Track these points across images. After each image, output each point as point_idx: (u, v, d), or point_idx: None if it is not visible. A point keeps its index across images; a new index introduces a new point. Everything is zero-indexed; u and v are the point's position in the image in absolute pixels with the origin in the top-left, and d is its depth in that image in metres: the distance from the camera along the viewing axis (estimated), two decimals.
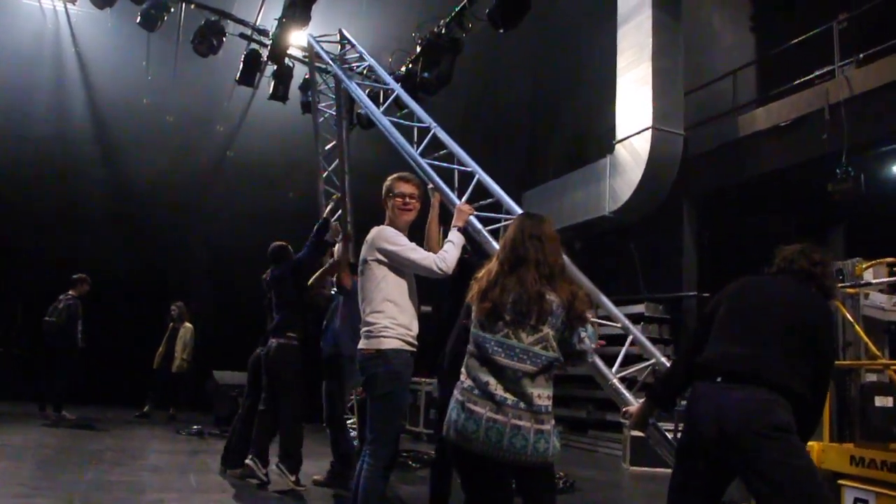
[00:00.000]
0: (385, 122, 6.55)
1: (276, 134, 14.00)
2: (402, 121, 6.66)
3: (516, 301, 3.19)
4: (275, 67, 10.90)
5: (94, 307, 11.14)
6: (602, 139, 12.97)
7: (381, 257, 4.06)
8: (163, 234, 14.09)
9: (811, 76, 10.35)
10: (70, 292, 10.66)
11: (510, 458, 3.08)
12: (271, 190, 14.41)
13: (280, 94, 11.15)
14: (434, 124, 6.36)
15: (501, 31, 8.58)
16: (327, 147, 9.24)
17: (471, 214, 4.68)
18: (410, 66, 9.71)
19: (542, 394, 3.15)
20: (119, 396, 12.56)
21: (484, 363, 3.19)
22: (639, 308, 11.80)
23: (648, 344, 4.70)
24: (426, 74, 9.27)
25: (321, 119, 9.43)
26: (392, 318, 4.05)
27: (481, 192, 5.60)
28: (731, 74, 12.01)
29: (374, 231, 4.20)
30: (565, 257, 3.51)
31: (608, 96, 12.57)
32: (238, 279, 11.28)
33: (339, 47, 8.85)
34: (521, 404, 3.10)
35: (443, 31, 9.12)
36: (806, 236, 10.64)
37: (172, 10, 10.55)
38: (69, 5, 12.70)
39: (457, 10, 8.99)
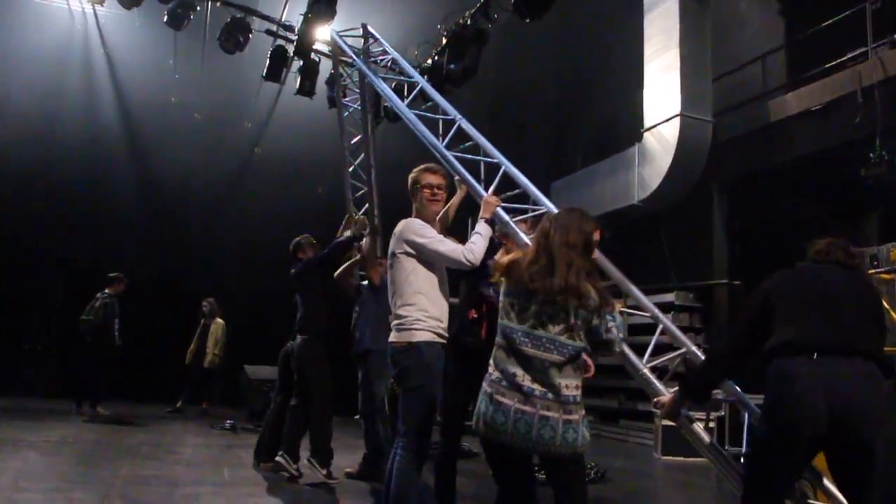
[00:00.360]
0: (410, 115, 6.53)
1: (304, 129, 14.04)
2: (426, 114, 6.64)
3: (545, 293, 3.18)
4: (301, 63, 10.94)
5: (128, 305, 11.29)
6: (630, 127, 12.86)
7: (409, 249, 4.07)
8: (193, 231, 14.23)
9: (843, 59, 10.16)
10: (106, 290, 10.86)
11: (539, 450, 3.09)
12: (300, 185, 14.47)
13: (307, 89, 11.20)
14: (459, 116, 6.33)
15: (527, 20, 8.53)
16: (353, 141, 9.25)
17: (498, 206, 4.64)
18: (436, 58, 9.70)
19: (569, 384, 3.16)
20: (153, 392, 12.72)
21: (511, 354, 3.19)
22: (669, 297, 11.71)
23: (679, 333, 4.64)
24: (452, 66, 9.26)
25: (346, 113, 9.44)
26: (424, 310, 4.05)
27: (508, 183, 5.57)
28: (759, 59, 11.82)
29: (402, 223, 4.21)
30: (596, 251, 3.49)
31: (635, 84, 12.46)
32: (268, 274, 11.33)
33: (363, 41, 8.86)
34: (549, 395, 3.10)
35: (468, 22, 9.10)
36: (839, 222, 10.48)
37: (199, 8, 10.63)
38: (97, 6, 12.84)
39: (483, 0, 8.96)
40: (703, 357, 4.23)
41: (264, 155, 15.29)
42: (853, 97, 9.45)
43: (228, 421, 10.43)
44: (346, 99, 9.27)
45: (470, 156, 5.86)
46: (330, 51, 9.66)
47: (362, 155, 8.71)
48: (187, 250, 14.05)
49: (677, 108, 11.26)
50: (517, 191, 5.51)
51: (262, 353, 10.54)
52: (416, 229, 4.12)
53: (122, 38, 14.42)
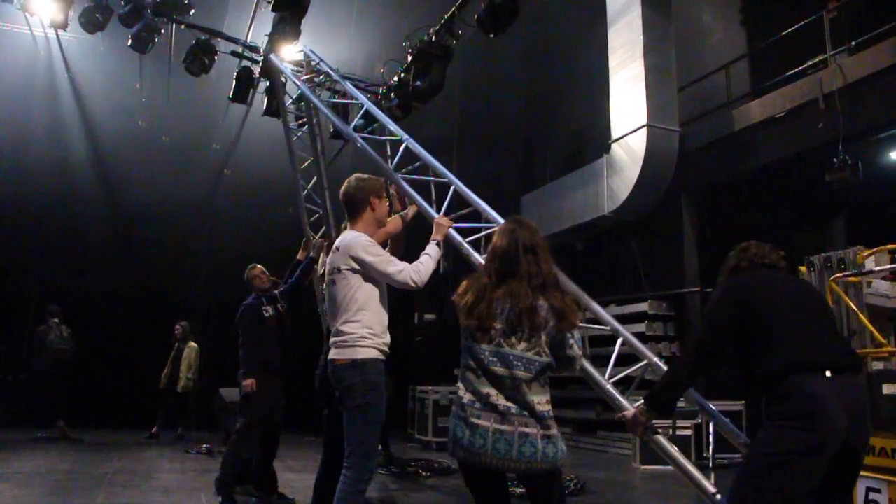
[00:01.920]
0: (356, 138, 6.54)
1: (273, 149, 13.94)
2: (373, 136, 6.62)
3: (508, 314, 3.17)
4: (267, 83, 10.91)
5: (100, 331, 11.20)
6: (598, 139, 12.96)
7: (355, 266, 3.96)
8: (164, 254, 14.11)
9: (804, 66, 10.34)
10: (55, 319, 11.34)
11: (520, 468, 3.07)
12: (270, 206, 14.42)
13: (274, 109, 11.14)
14: (406, 136, 6.28)
15: (492, 36, 8.58)
16: (303, 166, 9.33)
17: (450, 227, 4.58)
18: (402, 75, 9.72)
19: (540, 400, 3.14)
20: (128, 419, 12.54)
21: (482, 374, 3.16)
22: (642, 306, 11.79)
23: (640, 345, 4.64)
24: (419, 83, 9.27)
25: (295, 138, 9.51)
26: (368, 327, 3.96)
27: (459, 202, 5.52)
28: (723, 68, 12.00)
29: (348, 238, 4.08)
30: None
31: (602, 96, 12.56)
32: (241, 295, 11.25)
33: (305, 64, 8.96)
34: (525, 412, 3.09)
35: (433, 38, 9.13)
36: (806, 227, 10.61)
37: (163, 31, 10.56)
38: (60, 31, 12.73)
39: (446, 17, 9.00)
40: (665, 368, 4.24)
41: (234, 176, 15.23)
42: (815, 104, 9.61)
43: (204, 445, 10.31)
44: (294, 124, 9.34)
45: (418, 176, 5.82)
46: (296, 70, 9.69)
47: (314, 178, 8.70)
48: (158, 273, 13.93)
49: (644, 119, 11.36)
50: (469, 209, 5.48)
51: (236, 376, 10.42)
52: (364, 246, 3.98)
53: (86, 62, 14.31)
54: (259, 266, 7.01)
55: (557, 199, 13.70)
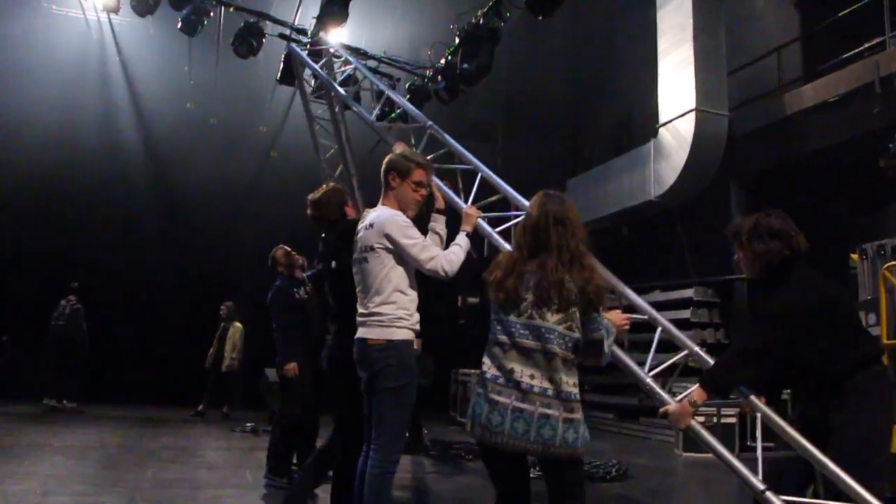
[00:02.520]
0: (377, 126, 6.48)
1: (319, 132, 14.06)
2: (396, 123, 6.53)
3: (538, 286, 3.08)
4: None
5: (146, 310, 11.42)
6: (645, 123, 12.81)
7: (388, 245, 3.86)
8: (210, 235, 14.31)
9: (860, 49, 10.07)
10: (72, 298, 11.87)
11: (537, 450, 2.97)
12: (315, 188, 14.46)
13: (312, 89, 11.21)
14: (430, 122, 6.19)
15: (540, 18, 8.50)
16: (328, 154, 9.37)
17: (478, 217, 4.50)
18: (450, 58, 9.69)
19: (569, 381, 3.01)
20: (174, 396, 12.80)
21: (511, 347, 3.06)
22: (688, 292, 11.67)
23: (679, 333, 4.51)
24: (465, 66, 9.23)
25: (318, 126, 9.55)
26: (404, 308, 3.89)
27: (487, 189, 5.41)
28: (775, 52, 11.74)
29: (385, 216, 3.96)
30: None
31: (650, 79, 12.40)
32: None
33: (322, 53, 8.99)
34: (550, 391, 2.97)
35: (481, 21, 9.07)
36: (859, 214, 10.36)
37: (212, 14, 10.66)
38: (112, 15, 12.95)
39: None
40: (710, 358, 4.17)
41: (279, 158, 15.34)
42: (871, 87, 9.35)
43: (249, 424, 10.48)
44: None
45: (441, 165, 5.68)
46: (335, 51, 9.72)
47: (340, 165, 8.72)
48: (205, 254, 14.13)
49: (692, 103, 11.19)
50: (498, 196, 5.36)
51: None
52: (401, 227, 3.88)
53: (137, 46, 14.54)
54: (284, 248, 6.96)
55: (604, 183, 13.59)
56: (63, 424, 9.97)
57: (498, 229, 5.07)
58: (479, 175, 5.52)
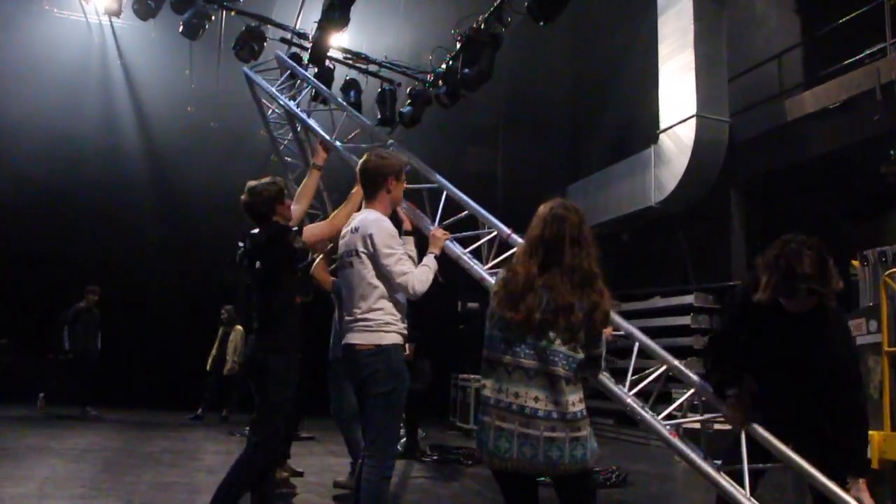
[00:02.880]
0: (339, 147, 6.39)
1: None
2: (360, 145, 6.37)
3: (545, 308, 2.99)
4: (316, 70, 10.97)
5: (147, 314, 11.40)
6: (646, 129, 12.81)
7: (370, 249, 3.84)
8: (210, 238, 14.29)
9: (861, 56, 10.07)
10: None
11: (547, 472, 2.97)
12: (315, 193, 14.49)
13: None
14: (391, 141, 6.10)
15: (541, 23, 8.51)
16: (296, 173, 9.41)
17: (446, 239, 4.45)
18: (451, 63, 9.71)
19: (574, 399, 2.97)
20: (173, 399, 12.78)
21: (514, 369, 3.00)
22: (688, 298, 11.64)
23: (657, 347, 4.42)
24: (467, 71, 9.25)
25: (282, 147, 9.59)
26: (392, 313, 3.88)
27: (453, 207, 5.27)
28: (776, 58, 11.75)
29: (371, 219, 3.94)
30: None
31: (651, 85, 12.42)
32: None
33: (281, 73, 8.97)
34: (554, 414, 2.93)
35: (482, 26, 9.09)
36: (860, 221, 10.35)
37: (213, 17, 10.67)
38: (114, 19, 12.96)
39: (496, 4, 8.95)
40: (686, 371, 4.17)
41: (280, 162, 15.31)
42: (872, 94, 9.35)
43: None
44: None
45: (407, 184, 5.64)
46: (346, 57, 9.72)
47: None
48: (205, 257, 14.12)
49: (693, 109, 11.21)
50: (464, 213, 5.26)
51: None
52: (385, 235, 3.87)
53: (138, 49, 14.57)
54: None
55: (604, 188, 13.60)
56: (62, 428, 9.95)
57: (468, 249, 4.97)
58: (445, 193, 5.37)
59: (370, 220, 3.92)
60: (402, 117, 10.73)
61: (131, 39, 14.54)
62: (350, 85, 11.24)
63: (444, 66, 9.90)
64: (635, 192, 12.54)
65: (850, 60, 10.11)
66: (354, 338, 3.88)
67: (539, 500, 3.22)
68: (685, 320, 11.49)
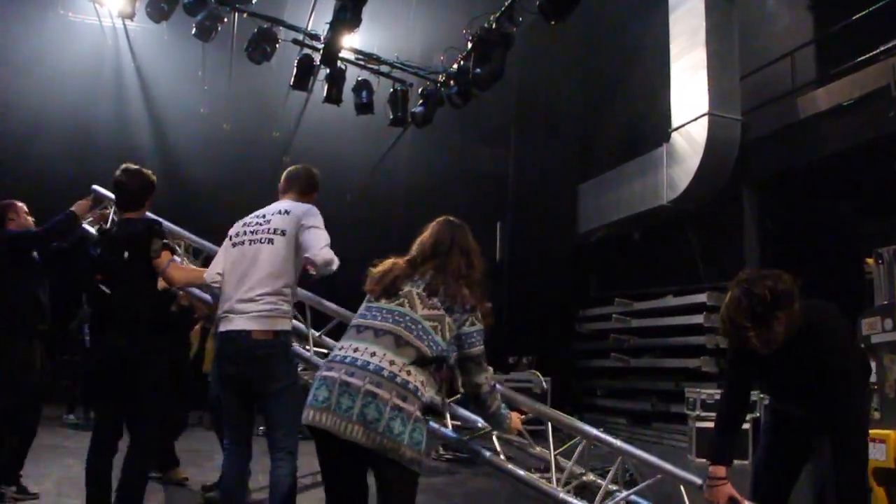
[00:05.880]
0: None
1: (332, 137, 14.12)
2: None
3: (428, 283, 2.91)
4: (328, 71, 11.02)
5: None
6: (657, 127, 12.77)
7: (299, 233, 3.76)
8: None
9: (874, 52, 10.00)
10: None
11: (359, 434, 2.60)
12: (328, 192, 14.46)
13: (334, 96, 11.27)
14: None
15: (552, 22, 8.52)
16: None
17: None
18: (462, 62, 9.73)
19: (419, 377, 2.73)
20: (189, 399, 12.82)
21: (365, 329, 2.84)
22: (701, 297, 11.60)
23: (576, 422, 4.30)
24: (478, 70, 9.28)
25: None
26: (288, 301, 3.77)
27: None
28: (788, 55, 11.69)
29: (305, 207, 3.95)
30: None
31: (662, 84, 12.37)
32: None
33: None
34: (385, 371, 2.67)
35: (493, 26, 9.10)
36: (874, 218, 10.29)
37: (226, 19, 10.73)
38: (127, 22, 13.04)
39: (507, 4, 8.97)
40: (608, 437, 4.27)
41: (293, 163, 15.15)
42: (886, 91, 9.29)
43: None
44: None
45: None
46: (357, 58, 9.74)
47: None
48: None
49: (705, 107, 11.18)
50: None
51: None
52: (318, 217, 3.86)
53: (151, 51, 14.63)
54: None
55: (615, 187, 13.57)
56: (75, 427, 10.00)
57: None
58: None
59: (305, 208, 3.92)
60: (414, 117, 10.78)
61: (144, 42, 14.60)
62: (362, 85, 11.31)
63: (455, 66, 9.94)
64: (647, 190, 12.52)
65: (863, 57, 10.04)
66: (248, 323, 3.63)
67: (367, 490, 2.91)
68: (698, 319, 11.46)
